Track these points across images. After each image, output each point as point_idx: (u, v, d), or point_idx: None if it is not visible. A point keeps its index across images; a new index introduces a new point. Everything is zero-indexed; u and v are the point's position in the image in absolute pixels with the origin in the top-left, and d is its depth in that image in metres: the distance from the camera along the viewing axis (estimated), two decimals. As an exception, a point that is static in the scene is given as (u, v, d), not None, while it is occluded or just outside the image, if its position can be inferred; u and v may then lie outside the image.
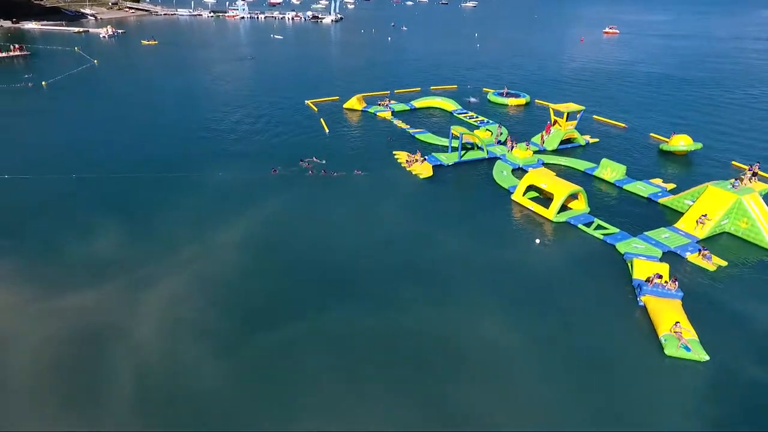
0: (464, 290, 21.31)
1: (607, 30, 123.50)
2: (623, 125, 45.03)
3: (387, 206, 28.64)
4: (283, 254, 23.61)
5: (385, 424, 14.85)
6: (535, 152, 37.02)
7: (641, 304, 20.40)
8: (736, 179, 26.96)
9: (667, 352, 17.69)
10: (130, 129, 41.31)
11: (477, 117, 46.20)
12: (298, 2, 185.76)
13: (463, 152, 35.74)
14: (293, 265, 22.72)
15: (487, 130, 40.95)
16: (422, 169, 33.05)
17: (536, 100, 53.45)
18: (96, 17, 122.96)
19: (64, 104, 48.76)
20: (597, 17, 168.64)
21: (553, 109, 39.92)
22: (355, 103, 48.79)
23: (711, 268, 22.95)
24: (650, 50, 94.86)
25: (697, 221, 25.69)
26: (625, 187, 31.51)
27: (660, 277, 20.87)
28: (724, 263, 23.33)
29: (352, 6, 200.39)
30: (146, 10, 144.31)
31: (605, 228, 26.35)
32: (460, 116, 46.71)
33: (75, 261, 22.47)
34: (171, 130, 41.42)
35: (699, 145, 36.93)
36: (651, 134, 42.26)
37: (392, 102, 50.06)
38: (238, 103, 50.86)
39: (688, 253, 23.99)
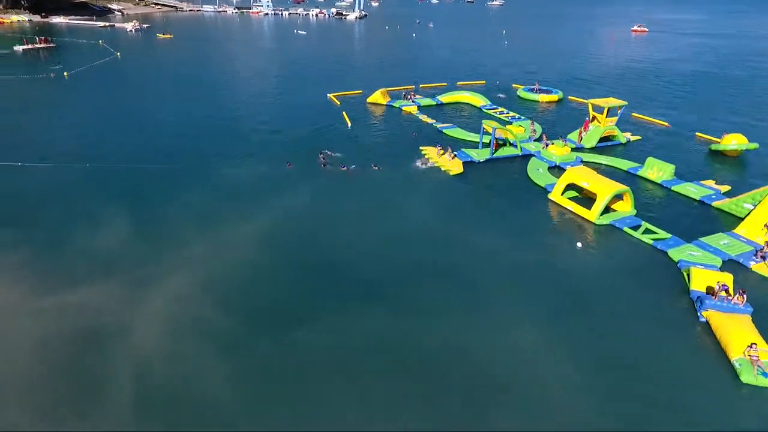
0: (496, 298, 19.13)
1: (635, 28, 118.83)
2: (666, 124, 42.02)
3: (412, 203, 26.55)
4: (295, 252, 21.82)
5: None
6: (572, 150, 34.52)
7: (703, 319, 17.95)
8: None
9: (743, 379, 15.19)
10: (148, 120, 40.16)
11: (507, 113, 43.77)
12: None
13: (494, 149, 33.48)
14: (305, 265, 20.91)
15: (519, 126, 38.55)
16: (452, 166, 30.90)
17: (569, 97, 50.68)
18: (123, 12, 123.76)
19: (83, 94, 48.02)
20: (625, 16, 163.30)
21: (592, 104, 37.22)
22: (379, 97, 46.82)
23: (780, 280, 20.30)
24: (684, 49, 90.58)
25: (765, 226, 22.92)
26: (673, 188, 28.82)
27: (726, 289, 18.33)
28: (795, 275, 20.60)
29: (377, 4, 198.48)
30: (172, 6, 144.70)
31: (654, 232, 23.81)
32: (490, 111, 44.31)
33: (80, 254, 21.05)
34: (192, 120, 40.10)
35: (755, 145, 33.81)
36: (697, 133, 39.23)
37: (418, 96, 47.98)
38: (257, 95, 49.44)
39: (752, 262, 21.37)
